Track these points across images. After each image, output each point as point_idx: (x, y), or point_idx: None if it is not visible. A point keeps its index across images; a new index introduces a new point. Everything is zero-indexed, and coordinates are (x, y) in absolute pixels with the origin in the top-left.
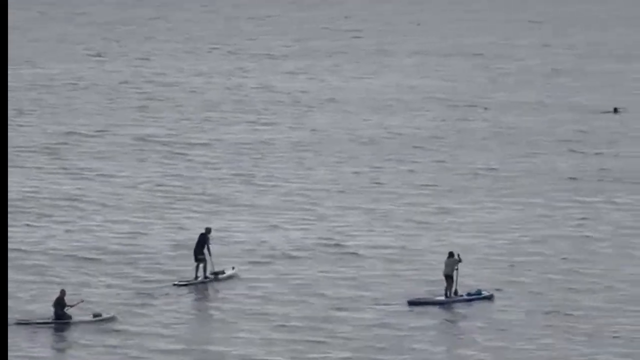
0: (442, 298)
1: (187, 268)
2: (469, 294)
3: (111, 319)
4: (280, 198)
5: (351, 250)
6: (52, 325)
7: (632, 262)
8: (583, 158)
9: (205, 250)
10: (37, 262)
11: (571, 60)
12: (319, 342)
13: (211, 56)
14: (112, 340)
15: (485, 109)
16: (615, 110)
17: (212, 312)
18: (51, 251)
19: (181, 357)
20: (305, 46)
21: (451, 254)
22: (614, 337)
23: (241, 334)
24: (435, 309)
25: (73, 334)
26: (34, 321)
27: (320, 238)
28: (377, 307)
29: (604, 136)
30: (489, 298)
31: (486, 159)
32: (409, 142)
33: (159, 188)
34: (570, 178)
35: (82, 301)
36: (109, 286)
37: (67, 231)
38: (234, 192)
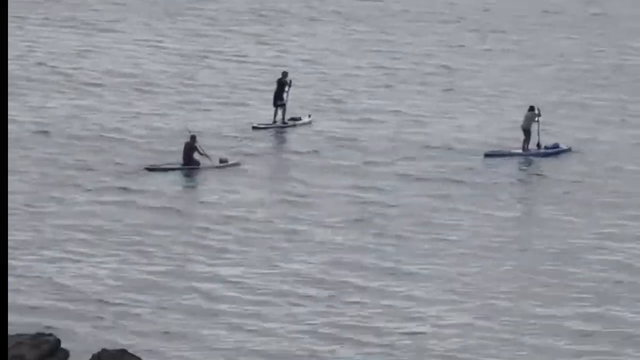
0: (520, 151)
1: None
2: (546, 147)
3: (236, 164)
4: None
5: (365, 112)
6: (180, 170)
7: None
8: None
9: (284, 95)
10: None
11: None
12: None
13: None
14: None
15: None
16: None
17: (289, 155)
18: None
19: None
20: None
21: (532, 108)
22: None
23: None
24: (511, 161)
25: (199, 178)
26: (163, 166)
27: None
28: (449, 162)
29: None
30: (568, 151)
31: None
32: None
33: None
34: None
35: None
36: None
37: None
38: (242, 49)
